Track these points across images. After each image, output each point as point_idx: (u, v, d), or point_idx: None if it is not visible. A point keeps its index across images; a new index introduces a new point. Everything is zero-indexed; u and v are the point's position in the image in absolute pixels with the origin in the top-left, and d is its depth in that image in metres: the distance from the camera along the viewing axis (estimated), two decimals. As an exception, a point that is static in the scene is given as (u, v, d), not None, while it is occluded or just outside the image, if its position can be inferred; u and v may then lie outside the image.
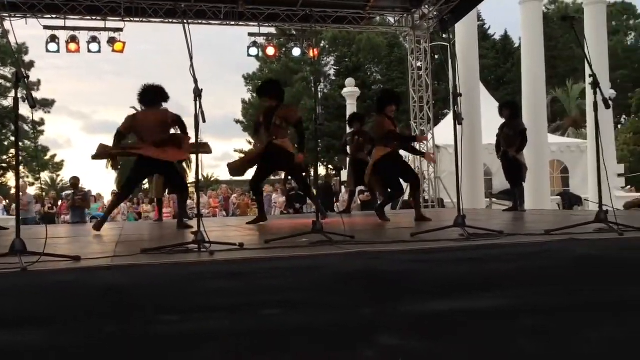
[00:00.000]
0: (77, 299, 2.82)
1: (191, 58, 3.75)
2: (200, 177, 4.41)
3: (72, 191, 12.80)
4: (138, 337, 2.86)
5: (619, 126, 36.54)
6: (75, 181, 12.85)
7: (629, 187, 20.23)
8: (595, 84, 3.93)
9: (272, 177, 42.45)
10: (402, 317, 3.16)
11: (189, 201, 9.68)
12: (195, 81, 3.74)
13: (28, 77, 3.15)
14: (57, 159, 43.68)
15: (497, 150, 9.10)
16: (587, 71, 4.09)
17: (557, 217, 6.96)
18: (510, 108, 9.05)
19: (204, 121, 3.78)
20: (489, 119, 15.14)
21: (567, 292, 3.32)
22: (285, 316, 3.00)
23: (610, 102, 4.20)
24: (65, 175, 45.25)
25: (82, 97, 70.03)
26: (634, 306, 3.36)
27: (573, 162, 18.82)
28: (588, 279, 3.32)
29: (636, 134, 31.19)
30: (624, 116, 39.88)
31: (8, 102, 32.64)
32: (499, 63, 39.22)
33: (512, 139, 8.70)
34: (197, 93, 3.74)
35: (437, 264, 3.27)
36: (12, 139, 33.36)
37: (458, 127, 4.28)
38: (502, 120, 9.09)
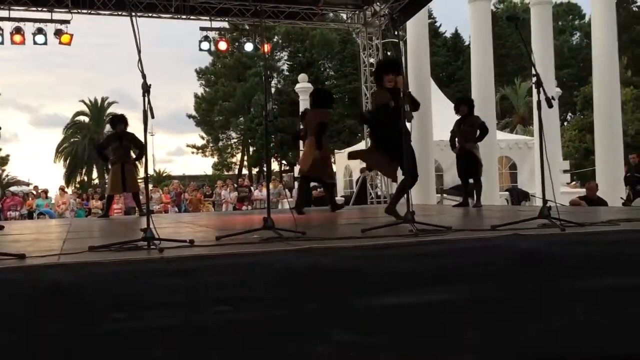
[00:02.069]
0: (22, 298, 2.77)
1: (139, 52, 3.70)
2: (151, 172, 4.36)
3: None
4: (86, 336, 2.83)
5: (565, 123, 37.61)
6: None
7: (574, 182, 20.87)
8: (539, 84, 4.05)
9: (226, 173, 41.76)
10: (352, 313, 3.20)
11: (141, 196, 9.55)
12: (144, 76, 3.70)
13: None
14: (2, 154, 42.44)
15: (452, 146, 9.13)
16: (532, 71, 4.20)
17: (504, 213, 7.14)
18: (468, 104, 9.10)
19: (152, 117, 3.74)
20: (440, 115, 15.41)
21: (511, 286, 3.43)
22: (236, 312, 3.01)
23: (554, 101, 4.33)
24: (11, 170, 44.03)
25: (30, 90, 68.03)
26: (575, 299, 3.48)
27: (521, 159, 19.30)
28: (531, 273, 3.43)
29: (581, 131, 32.12)
30: (569, 113, 41.06)
31: (-51, 94, 31.47)
32: (450, 60, 39.85)
33: (469, 134, 8.77)
34: (145, 88, 3.70)
35: (385, 259, 3.32)
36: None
37: (407, 124, 4.34)
38: (454, 116, 9.21)
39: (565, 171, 18.02)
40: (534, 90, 4.21)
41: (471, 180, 9.09)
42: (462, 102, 9.24)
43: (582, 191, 12.55)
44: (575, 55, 40.71)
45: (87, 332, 2.83)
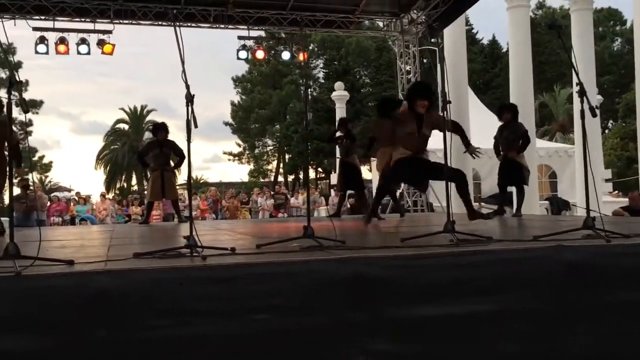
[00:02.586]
0: (71, 303, 2.84)
1: (183, 63, 3.76)
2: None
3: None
4: (131, 341, 2.89)
5: (606, 131, 36.87)
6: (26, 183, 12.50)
7: (616, 192, 20.42)
8: (582, 93, 3.99)
9: (262, 180, 41.90)
10: (392, 322, 3.20)
11: (180, 203, 9.70)
12: (187, 86, 3.76)
13: (22, 82, 3.16)
14: (45, 160, 43.47)
15: (496, 153, 8.84)
16: (575, 79, 4.15)
17: (545, 223, 7.03)
18: (511, 111, 8.75)
19: (196, 126, 3.80)
20: (477, 123, 15.26)
21: (554, 298, 3.38)
22: (277, 321, 3.04)
23: (597, 110, 4.26)
24: (53, 177, 45.06)
25: (71, 98, 69.67)
26: (620, 311, 3.42)
27: (561, 167, 18.98)
28: (575, 285, 3.38)
29: (623, 139, 31.47)
30: (611, 121, 40.25)
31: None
32: (487, 67, 39.46)
33: (512, 142, 8.51)
34: (189, 98, 3.76)
35: (426, 269, 3.31)
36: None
37: (447, 133, 4.32)
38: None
39: (607, 180, 17.65)
40: (576, 100, 4.16)
41: (511, 189, 8.91)
42: (506, 108, 8.90)
43: (625, 201, 12.28)
44: (617, 61, 39.90)
45: (132, 338, 2.89)
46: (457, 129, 5.99)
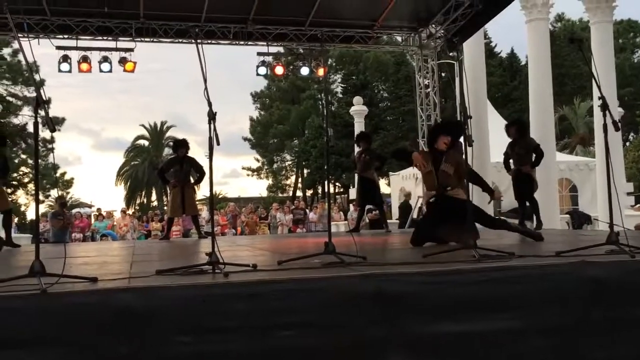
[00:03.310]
0: (95, 320, 2.87)
1: (205, 81, 3.80)
2: (208, 195, 4.46)
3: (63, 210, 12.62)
4: (153, 358, 2.90)
5: (627, 144, 36.47)
6: (64, 200, 12.76)
7: (638, 205, 20.16)
8: (605, 107, 3.97)
9: (280, 195, 41.96)
10: (414, 339, 3.19)
11: (200, 219, 9.75)
12: (210, 104, 3.80)
13: (48, 101, 3.22)
14: (67, 177, 43.97)
15: (506, 169, 9.01)
16: (596, 92, 4.12)
17: (567, 237, 6.96)
18: (517, 126, 8.95)
19: (218, 144, 3.83)
20: (496, 136, 15.17)
21: (578, 314, 3.35)
22: (299, 337, 3.04)
23: (619, 124, 4.23)
24: (75, 193, 45.52)
25: (92, 115, 70.57)
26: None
27: (582, 181, 18.78)
28: (600, 301, 3.34)
29: (645, 152, 31.13)
30: (632, 134, 39.83)
31: (18, 120, 32.92)
32: (506, 81, 39.29)
33: (523, 157, 8.61)
34: (211, 116, 3.80)
35: (448, 285, 3.30)
36: (23, 156, 33.54)
37: (469, 148, 4.31)
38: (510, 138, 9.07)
39: (629, 194, 17.44)
40: (599, 113, 4.13)
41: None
42: (512, 125, 9.11)
43: (648, 214, 12.12)
44: (637, 73, 39.55)
45: (154, 355, 2.91)
46: (475, 178, 5.86)
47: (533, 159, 8.59)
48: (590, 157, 21.31)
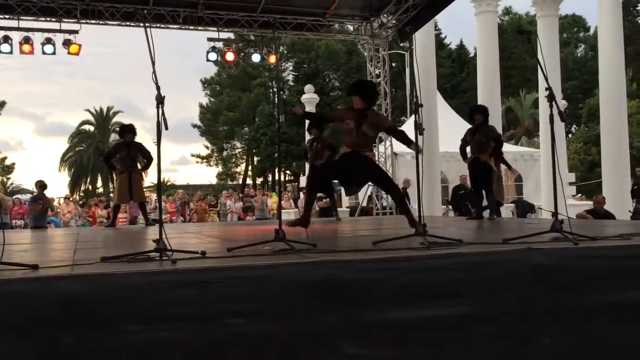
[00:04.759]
0: (35, 309, 2.76)
1: (153, 64, 3.70)
2: (156, 182, 4.35)
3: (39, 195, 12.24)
4: (100, 347, 2.82)
5: (570, 135, 37.56)
6: (43, 182, 12.35)
7: (579, 195, 20.81)
8: (552, 97, 4.04)
9: (230, 182, 41.46)
10: (365, 326, 3.19)
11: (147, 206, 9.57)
12: (158, 88, 3.70)
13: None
14: (7, 162, 42.56)
15: (463, 156, 8.64)
16: (543, 84, 4.20)
17: (513, 225, 7.11)
18: (483, 113, 8.50)
19: (167, 128, 3.74)
20: (445, 126, 15.42)
21: (524, 300, 3.41)
22: (249, 325, 3.01)
23: (565, 115, 4.32)
24: (15, 179, 44.08)
25: (34, 99, 68.27)
26: (589, 313, 3.47)
27: (526, 171, 19.27)
28: (545, 287, 3.42)
29: (586, 144, 32.10)
30: (574, 126, 41.03)
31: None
32: (455, 72, 39.90)
33: (484, 145, 8.28)
34: (160, 100, 3.70)
35: (398, 272, 3.31)
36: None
37: (419, 137, 4.34)
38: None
39: (571, 183, 17.98)
40: (546, 104, 4.20)
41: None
42: (478, 110, 8.67)
43: (588, 204, 12.51)
44: (580, 67, 40.70)
45: (100, 344, 2.83)
46: (393, 131, 5.90)
47: (491, 148, 8.35)
48: (535, 148, 21.87)
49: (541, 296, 3.40)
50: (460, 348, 3.31)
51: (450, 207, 15.08)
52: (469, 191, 10.59)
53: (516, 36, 34.21)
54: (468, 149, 8.58)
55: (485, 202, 8.63)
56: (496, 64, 15.05)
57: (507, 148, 19.64)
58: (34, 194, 12.33)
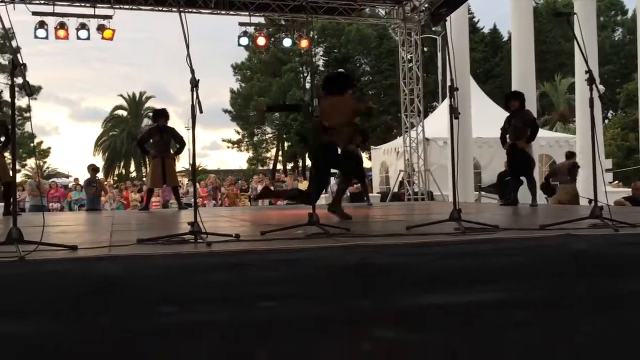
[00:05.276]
0: (74, 289, 2.81)
1: (187, 47, 3.71)
2: (188, 167, 4.39)
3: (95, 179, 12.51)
4: (135, 328, 2.86)
5: (606, 121, 36.81)
6: (95, 167, 12.62)
7: (616, 182, 20.40)
8: (592, 80, 3.95)
9: (260, 167, 41.73)
10: (398, 310, 3.18)
11: (180, 190, 9.67)
12: (192, 71, 3.71)
13: (25, 65, 3.11)
14: (43, 146, 43.37)
15: (502, 143, 8.62)
16: (582, 67, 4.10)
17: (550, 212, 7.01)
18: (519, 98, 8.48)
19: (201, 111, 3.75)
20: (478, 112, 15.22)
21: (562, 287, 3.35)
22: (282, 308, 3.01)
23: (606, 97, 4.22)
24: (52, 163, 44.94)
25: (70, 84, 69.35)
26: (628, 301, 3.40)
27: (561, 157, 18.90)
28: (583, 274, 3.35)
29: (623, 129, 31.44)
30: (611, 111, 40.20)
31: (-6, 88, 32.29)
32: (488, 56, 39.26)
33: (521, 130, 8.27)
34: (194, 83, 3.71)
35: (433, 257, 3.28)
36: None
37: (454, 121, 4.27)
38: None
39: (607, 170, 17.62)
40: (584, 87, 4.11)
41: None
42: (513, 96, 8.67)
43: (626, 191, 12.26)
44: (618, 51, 39.75)
45: (136, 324, 2.86)
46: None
47: (528, 134, 8.30)
48: (570, 134, 21.47)
49: (580, 283, 3.34)
50: (496, 334, 3.27)
51: (482, 193, 14.95)
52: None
53: (551, 19, 33.55)
54: (507, 136, 8.51)
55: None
56: (531, 48, 14.76)
57: (542, 134, 19.29)
58: (88, 177, 12.54)
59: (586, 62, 4.03)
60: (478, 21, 40.92)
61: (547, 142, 18.74)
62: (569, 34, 4.71)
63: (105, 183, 18.66)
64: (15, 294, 2.71)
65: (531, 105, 14.64)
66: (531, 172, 8.36)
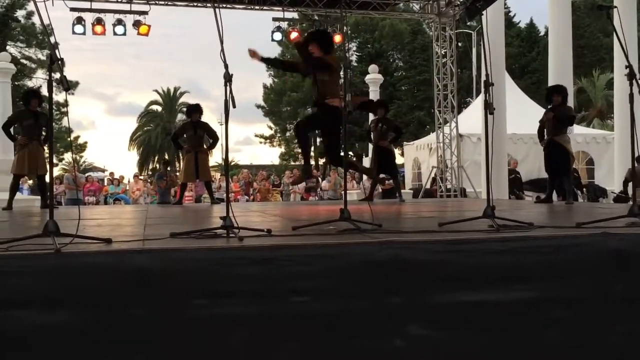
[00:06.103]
0: (109, 281, 2.85)
1: (222, 42, 3.73)
2: (221, 161, 4.41)
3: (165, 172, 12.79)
4: (168, 320, 2.88)
5: (645, 117, 35.91)
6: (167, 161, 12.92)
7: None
8: (632, 75, 3.85)
9: (292, 163, 41.94)
10: (431, 308, 3.15)
11: (212, 185, 9.75)
12: (226, 66, 3.73)
13: (62, 60, 3.16)
14: (80, 140, 44.15)
15: (540, 138, 8.41)
16: (621, 61, 4.00)
17: (586, 210, 6.87)
18: (562, 93, 8.27)
19: (234, 106, 3.76)
20: (513, 107, 15.00)
21: (598, 286, 3.28)
22: (314, 303, 3.00)
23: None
24: (88, 157, 45.75)
25: (105, 79, 70.51)
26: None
27: (599, 154, 18.55)
28: (621, 272, 3.28)
29: (663, 126, 30.66)
30: (650, 107, 39.25)
31: (33, 82, 32.95)
32: (524, 51, 38.66)
33: (559, 126, 8.08)
34: (228, 78, 3.72)
35: (467, 255, 3.24)
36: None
37: (489, 116, 4.21)
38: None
39: (646, 167, 17.20)
40: (616, 85, 4.01)
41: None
42: (556, 90, 8.40)
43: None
44: (658, 46, 38.79)
45: (169, 317, 2.88)
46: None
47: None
48: (608, 130, 21.03)
49: (617, 282, 3.26)
50: (530, 333, 3.21)
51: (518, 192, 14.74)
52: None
53: (589, 13, 32.90)
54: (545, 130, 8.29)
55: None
56: (569, 43, 14.48)
57: (579, 130, 19.03)
58: (159, 171, 12.82)
59: (626, 56, 3.93)
60: (514, 15, 40.35)
61: (584, 138, 18.38)
62: (608, 27, 4.60)
63: (135, 177, 18.91)
64: (51, 286, 2.76)
65: (568, 101, 14.41)
66: (569, 169, 8.15)
